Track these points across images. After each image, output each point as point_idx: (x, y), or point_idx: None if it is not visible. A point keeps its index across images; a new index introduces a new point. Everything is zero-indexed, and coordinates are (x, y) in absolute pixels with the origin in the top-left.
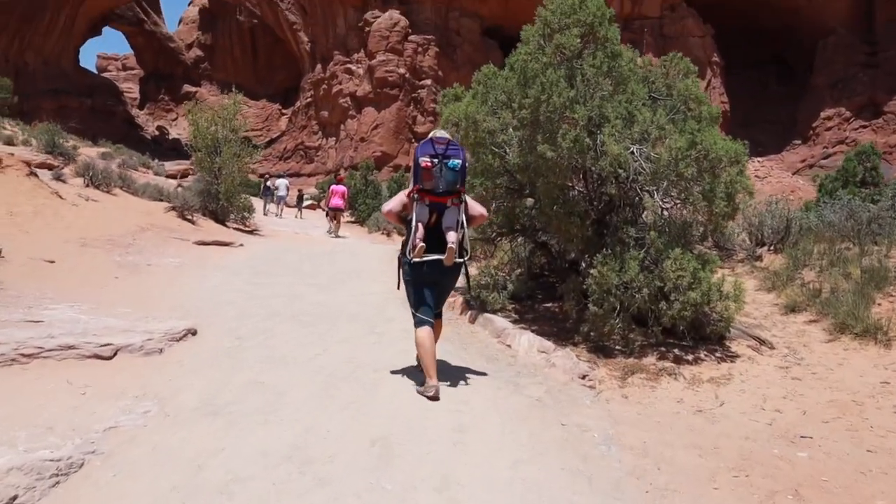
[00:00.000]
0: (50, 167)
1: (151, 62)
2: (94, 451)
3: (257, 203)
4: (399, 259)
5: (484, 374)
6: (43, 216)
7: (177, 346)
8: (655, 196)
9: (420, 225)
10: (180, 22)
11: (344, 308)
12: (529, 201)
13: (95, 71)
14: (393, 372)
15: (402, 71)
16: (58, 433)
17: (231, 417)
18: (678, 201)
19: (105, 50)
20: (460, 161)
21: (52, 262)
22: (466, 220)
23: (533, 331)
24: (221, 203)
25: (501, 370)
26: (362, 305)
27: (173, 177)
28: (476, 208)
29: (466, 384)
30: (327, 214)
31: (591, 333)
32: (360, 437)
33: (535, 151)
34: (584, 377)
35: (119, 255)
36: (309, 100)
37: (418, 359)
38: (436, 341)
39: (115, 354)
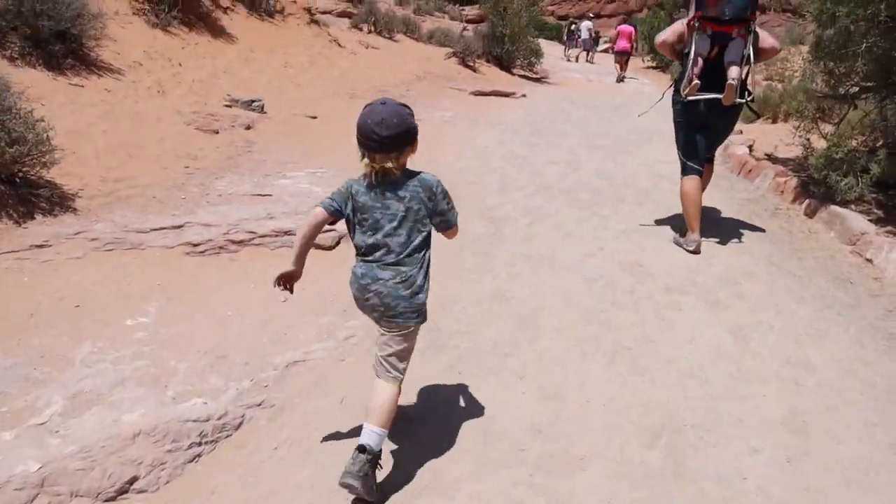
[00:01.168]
0: (349, 15)
1: None
2: (262, 404)
3: (552, 47)
4: (672, 98)
5: (830, 305)
6: (318, 66)
7: None
8: None
9: (699, 58)
10: None
11: (632, 182)
12: None
13: None
14: (700, 294)
15: None
16: (224, 369)
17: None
18: None
19: None
20: None
21: (314, 117)
22: (754, 54)
23: None
24: (507, 48)
25: (859, 302)
26: (656, 178)
27: (473, 22)
28: (768, 40)
29: (802, 316)
30: (616, 60)
31: None
32: (636, 421)
33: None
34: None
35: None
36: None
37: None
38: (703, 189)
39: (337, 243)
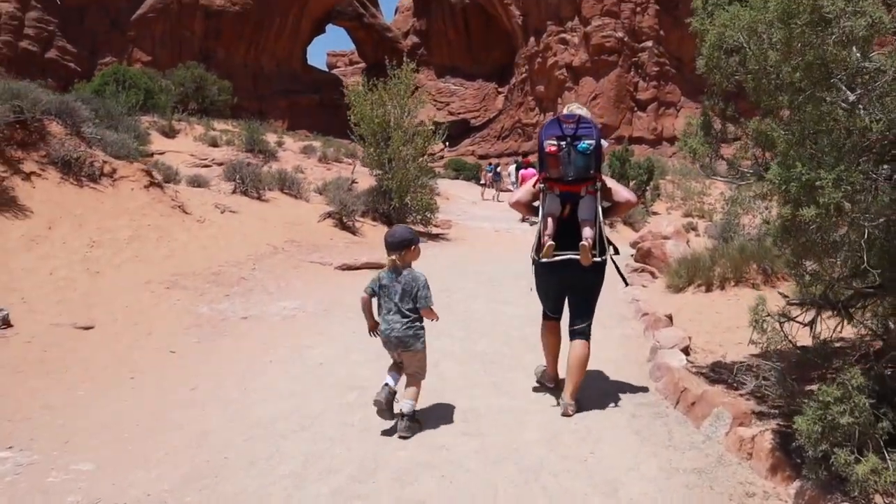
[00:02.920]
0: (254, 166)
1: (372, 53)
2: None
3: (468, 189)
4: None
5: None
6: (141, 243)
7: None
8: None
9: (550, 219)
10: (396, 11)
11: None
12: None
13: (326, 68)
14: None
15: (619, 35)
16: None
17: None
18: None
19: (332, 47)
20: (593, 141)
21: (90, 327)
22: (604, 210)
23: None
24: (394, 203)
25: None
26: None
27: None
28: (621, 193)
29: None
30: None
31: None
32: None
33: None
34: None
35: (211, 300)
36: (524, 75)
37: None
38: (579, 370)
39: None
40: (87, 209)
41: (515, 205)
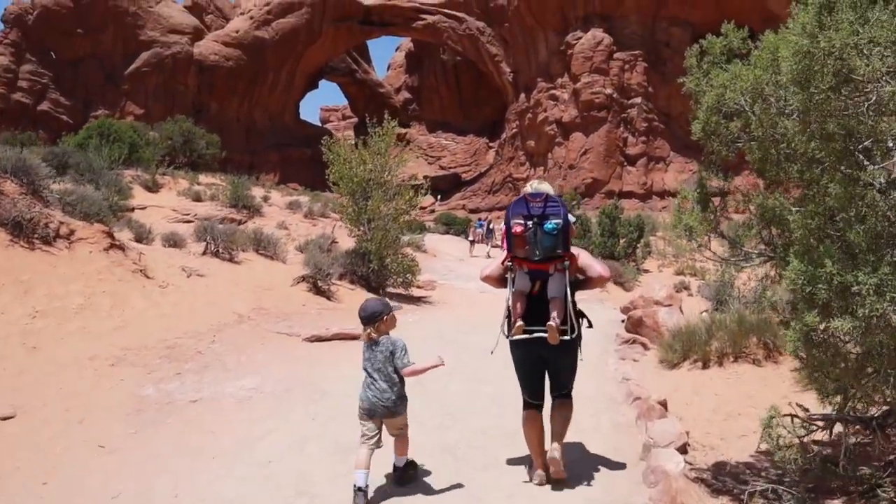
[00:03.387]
0: (239, 222)
1: (364, 108)
2: None
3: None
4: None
5: None
6: (93, 311)
7: None
8: None
9: (518, 297)
10: (388, 67)
11: None
12: None
13: (320, 122)
14: None
15: (608, 91)
16: None
17: None
18: None
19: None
20: (560, 221)
21: (10, 417)
22: (577, 283)
23: None
24: (374, 265)
25: None
26: None
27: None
28: (594, 268)
29: None
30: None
31: None
32: None
33: None
34: None
35: (160, 379)
36: (514, 130)
37: None
38: (564, 425)
39: None
40: (36, 274)
41: (486, 279)
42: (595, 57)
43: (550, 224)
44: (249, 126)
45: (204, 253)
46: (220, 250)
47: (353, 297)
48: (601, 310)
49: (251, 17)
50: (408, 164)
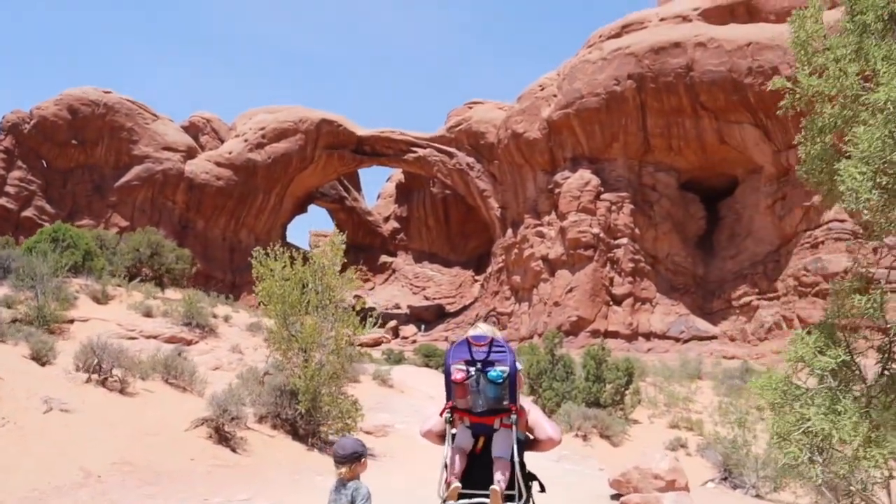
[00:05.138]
0: (188, 342)
1: (351, 235)
2: None
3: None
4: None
5: None
6: None
7: None
8: None
9: (458, 454)
10: (378, 197)
11: None
12: None
13: (308, 247)
14: None
15: (595, 231)
16: None
17: None
18: None
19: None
20: (507, 368)
21: None
22: (524, 443)
23: None
24: (302, 407)
25: None
26: None
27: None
28: (544, 429)
29: None
30: None
31: None
32: None
33: None
34: None
35: None
36: (500, 265)
37: None
38: None
39: None
40: None
41: (426, 435)
42: (583, 197)
43: (495, 371)
44: (234, 245)
45: (88, 380)
46: (109, 378)
47: (268, 448)
48: (581, 475)
49: (245, 140)
50: (352, 286)
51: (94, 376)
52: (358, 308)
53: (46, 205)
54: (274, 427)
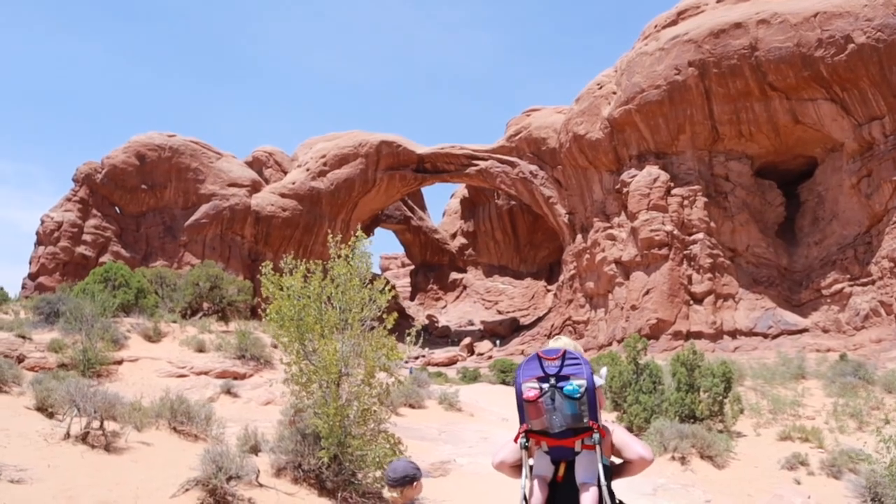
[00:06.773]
0: (240, 376)
1: (419, 255)
2: None
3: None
4: None
5: None
6: None
7: None
8: None
9: (537, 484)
10: (444, 213)
11: None
12: None
13: (380, 271)
14: None
15: (668, 228)
16: None
17: None
18: None
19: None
20: (584, 382)
21: None
22: (613, 468)
23: None
24: (325, 455)
25: None
26: None
27: (441, 364)
28: (633, 448)
29: None
30: None
31: None
32: None
33: None
34: None
35: None
36: (572, 272)
37: None
38: None
39: None
40: None
41: (500, 467)
42: (652, 194)
43: (571, 386)
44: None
45: (66, 436)
46: (93, 432)
47: None
48: None
49: (307, 169)
50: (382, 300)
51: (75, 430)
52: (389, 326)
53: (122, 249)
54: (295, 481)
